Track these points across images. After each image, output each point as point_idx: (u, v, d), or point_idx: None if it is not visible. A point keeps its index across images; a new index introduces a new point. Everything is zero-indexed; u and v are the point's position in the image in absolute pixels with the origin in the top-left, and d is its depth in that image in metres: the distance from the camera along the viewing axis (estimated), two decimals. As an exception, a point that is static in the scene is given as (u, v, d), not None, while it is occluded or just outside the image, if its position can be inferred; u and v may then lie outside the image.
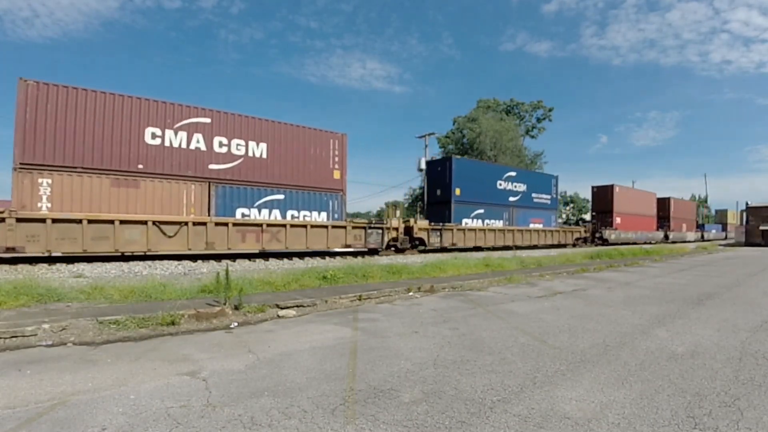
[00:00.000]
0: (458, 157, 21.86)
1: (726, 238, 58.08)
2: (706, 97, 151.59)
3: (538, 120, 48.84)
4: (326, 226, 16.13)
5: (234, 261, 13.53)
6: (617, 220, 33.70)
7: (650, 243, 35.81)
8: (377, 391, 3.52)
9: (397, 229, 18.46)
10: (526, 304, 7.79)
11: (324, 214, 16.57)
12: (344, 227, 16.49)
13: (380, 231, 17.83)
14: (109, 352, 4.60)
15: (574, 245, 28.95)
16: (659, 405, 3.28)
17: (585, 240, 31.15)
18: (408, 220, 19.55)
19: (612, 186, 34.38)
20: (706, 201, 71.34)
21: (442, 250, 20.15)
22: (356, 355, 4.56)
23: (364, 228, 17.31)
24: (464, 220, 22.24)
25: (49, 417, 2.96)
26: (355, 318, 6.49)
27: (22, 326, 5.00)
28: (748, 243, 40.21)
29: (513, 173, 26.22)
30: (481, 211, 23.33)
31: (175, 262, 12.50)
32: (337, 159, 16.90)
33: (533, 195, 27.23)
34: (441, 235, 20.23)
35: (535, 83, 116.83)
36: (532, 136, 48.96)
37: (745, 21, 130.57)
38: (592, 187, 36.65)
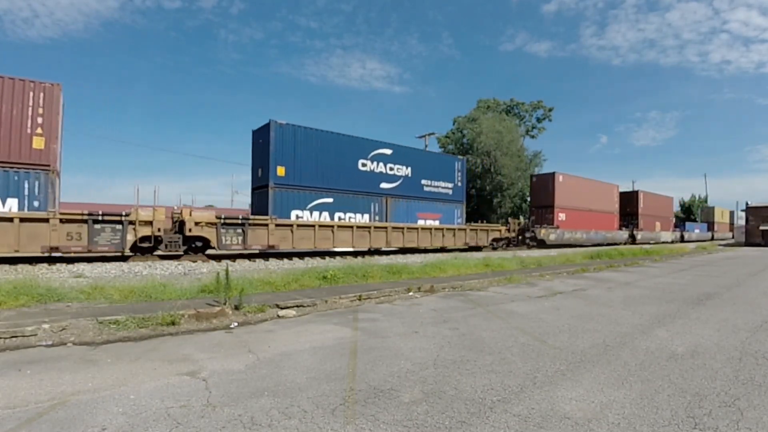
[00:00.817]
0: (282, 122, 15.83)
1: (713, 238, 53.32)
2: (706, 97, 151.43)
3: (538, 120, 48.83)
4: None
5: (234, 261, 13.54)
6: (560, 216, 27.94)
7: (612, 245, 30.51)
8: (377, 391, 3.52)
9: (151, 223, 12.76)
10: (526, 304, 7.79)
11: (14, 202, 11.22)
12: (47, 220, 11.32)
13: (118, 226, 12.30)
14: (109, 352, 4.60)
15: (494, 248, 23.49)
16: (659, 405, 3.28)
17: (509, 242, 25.38)
18: (181, 211, 14.05)
19: (554, 174, 28.42)
20: (706, 201, 70.33)
21: (255, 256, 15.51)
22: (356, 355, 4.56)
23: (86, 222, 11.85)
24: (295, 212, 16.19)
25: (49, 417, 2.96)
26: (355, 318, 6.49)
27: (22, 326, 5.00)
28: (748, 243, 40.24)
29: (387, 151, 19.46)
30: (329, 200, 17.23)
31: (175, 262, 12.51)
32: (41, 121, 11.71)
33: (423, 182, 20.83)
34: (244, 234, 14.48)
35: (534, 83, 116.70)
36: (532, 136, 48.97)
37: (745, 21, 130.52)
38: (531, 176, 32.08)
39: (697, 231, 50.94)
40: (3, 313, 5.68)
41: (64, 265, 11.13)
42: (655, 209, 39.81)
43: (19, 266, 10.62)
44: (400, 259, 15.65)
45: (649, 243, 36.47)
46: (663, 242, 38.84)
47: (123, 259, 12.83)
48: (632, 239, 35.68)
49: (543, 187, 28.90)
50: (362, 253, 17.83)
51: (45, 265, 11.02)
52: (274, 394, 3.44)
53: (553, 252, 21.24)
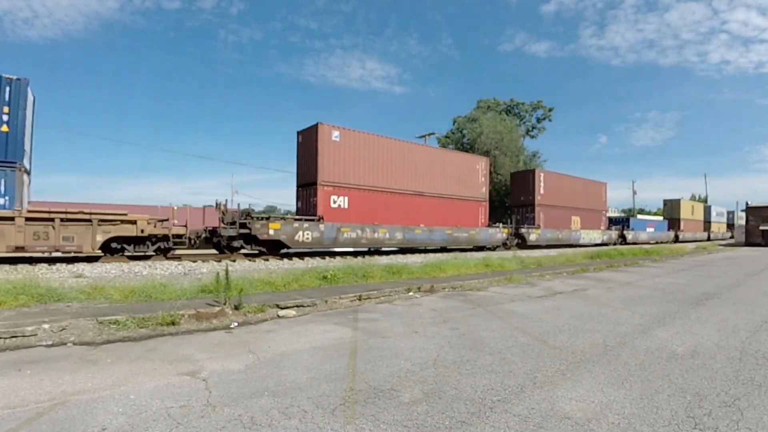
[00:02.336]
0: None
1: (677, 240, 42.16)
2: (706, 97, 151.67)
3: (538, 120, 48.80)
4: None
5: (235, 261, 13.54)
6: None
7: (481, 248, 22.37)
8: (377, 391, 3.52)
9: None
10: (526, 304, 7.78)
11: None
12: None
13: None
14: (109, 352, 4.59)
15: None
16: (659, 405, 3.28)
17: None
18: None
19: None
20: (706, 201, 69.65)
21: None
22: (356, 355, 4.56)
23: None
24: None
25: (49, 417, 2.96)
26: (355, 318, 6.49)
27: (22, 326, 4.99)
28: (748, 243, 40.21)
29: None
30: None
31: (176, 262, 12.51)
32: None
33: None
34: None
35: (534, 83, 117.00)
36: (532, 137, 48.94)
37: (744, 21, 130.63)
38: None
39: (650, 230, 39.17)
40: (3, 313, 5.68)
41: (64, 265, 11.13)
42: (569, 198, 28.52)
43: (19, 266, 10.62)
44: (400, 259, 15.65)
45: (540, 247, 25.42)
46: (582, 245, 28.91)
47: (96, 259, 12.58)
48: (521, 240, 24.58)
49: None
50: (362, 253, 17.85)
51: (45, 265, 11.02)
52: (274, 394, 3.44)
53: (553, 252, 21.26)
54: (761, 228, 39.94)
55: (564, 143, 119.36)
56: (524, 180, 27.70)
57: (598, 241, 30.95)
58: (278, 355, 4.51)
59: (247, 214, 14.84)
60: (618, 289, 10.08)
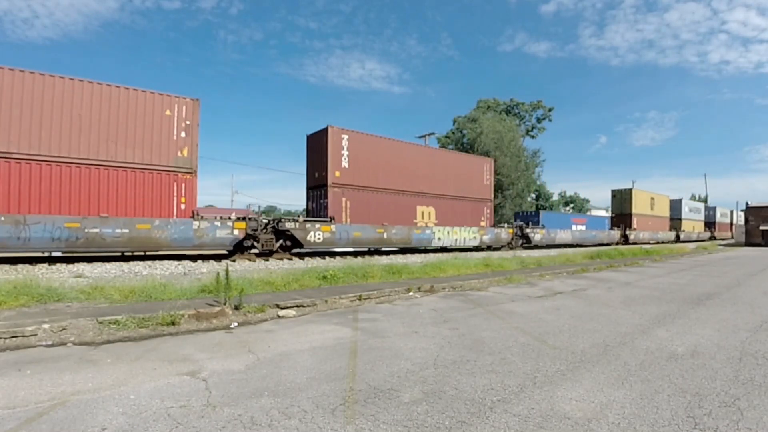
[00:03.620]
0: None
1: (625, 241, 33.08)
2: (705, 97, 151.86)
3: (538, 120, 48.89)
4: None
5: (234, 261, 13.54)
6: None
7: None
8: (377, 391, 3.52)
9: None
10: (526, 304, 7.78)
11: None
12: None
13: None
14: (109, 352, 4.60)
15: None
16: (659, 405, 3.28)
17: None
18: None
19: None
20: (706, 201, 69.35)
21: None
22: (356, 355, 4.56)
23: None
24: None
25: (49, 417, 2.96)
26: (355, 318, 6.49)
27: (22, 326, 4.99)
28: (748, 243, 40.22)
29: None
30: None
31: (175, 262, 12.50)
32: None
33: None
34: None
35: (534, 83, 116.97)
36: (532, 137, 49.03)
37: (743, 21, 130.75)
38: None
39: (577, 228, 29.87)
40: (3, 313, 5.68)
41: (64, 265, 11.12)
42: (411, 179, 19.25)
43: (19, 266, 10.62)
44: (400, 259, 15.65)
45: (379, 252, 18.61)
46: (420, 249, 20.20)
47: (123, 259, 12.80)
48: (290, 245, 15.31)
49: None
50: (362, 253, 17.85)
51: (45, 265, 11.01)
52: (274, 394, 3.44)
53: (554, 252, 21.26)
54: (761, 228, 39.95)
55: (564, 143, 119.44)
56: (319, 146, 17.06)
57: (471, 244, 21.53)
58: (278, 355, 4.51)
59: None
60: (618, 289, 10.08)
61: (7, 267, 10.35)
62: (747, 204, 42.96)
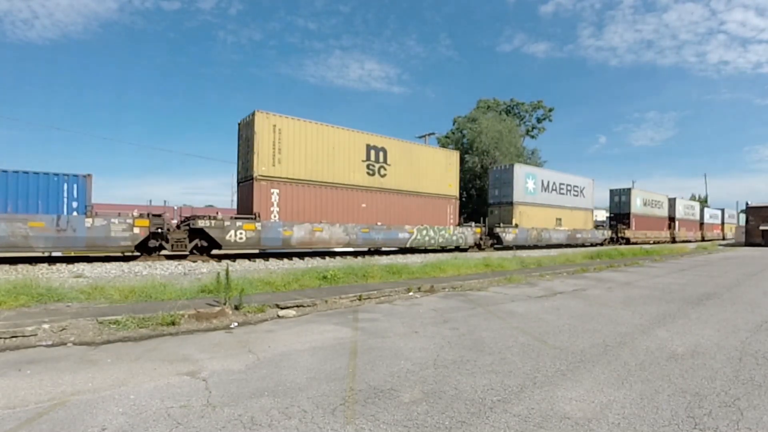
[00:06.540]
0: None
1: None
2: (704, 97, 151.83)
3: (538, 120, 48.76)
4: None
5: (234, 261, 13.54)
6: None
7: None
8: (377, 391, 3.52)
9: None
10: (526, 304, 7.78)
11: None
12: None
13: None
14: (109, 352, 4.59)
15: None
16: (659, 405, 3.28)
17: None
18: None
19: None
20: (706, 201, 69.28)
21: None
22: (356, 355, 4.56)
23: None
24: None
25: (49, 417, 2.96)
26: (355, 318, 6.49)
27: (22, 326, 5.00)
28: (748, 243, 40.20)
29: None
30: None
31: (175, 262, 12.51)
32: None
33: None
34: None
35: (533, 84, 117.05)
36: (533, 137, 48.90)
37: (742, 22, 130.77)
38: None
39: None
40: (3, 313, 5.68)
41: (64, 265, 11.13)
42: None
43: (19, 266, 10.62)
44: (400, 259, 15.65)
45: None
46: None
47: (123, 259, 12.82)
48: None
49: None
50: (362, 253, 17.83)
51: (45, 265, 11.02)
52: (274, 394, 3.44)
53: (554, 252, 21.24)
54: (761, 228, 39.94)
55: (564, 143, 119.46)
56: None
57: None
58: (278, 355, 4.51)
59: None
60: (618, 289, 10.08)
61: (7, 267, 10.36)
62: (747, 204, 42.96)
